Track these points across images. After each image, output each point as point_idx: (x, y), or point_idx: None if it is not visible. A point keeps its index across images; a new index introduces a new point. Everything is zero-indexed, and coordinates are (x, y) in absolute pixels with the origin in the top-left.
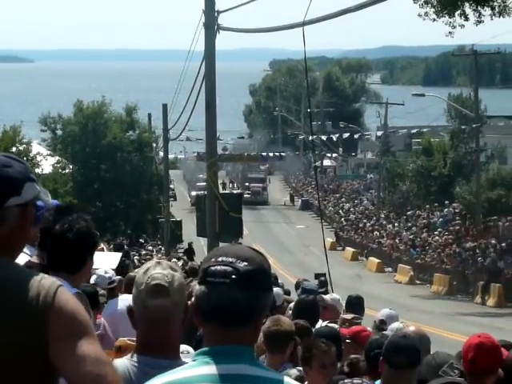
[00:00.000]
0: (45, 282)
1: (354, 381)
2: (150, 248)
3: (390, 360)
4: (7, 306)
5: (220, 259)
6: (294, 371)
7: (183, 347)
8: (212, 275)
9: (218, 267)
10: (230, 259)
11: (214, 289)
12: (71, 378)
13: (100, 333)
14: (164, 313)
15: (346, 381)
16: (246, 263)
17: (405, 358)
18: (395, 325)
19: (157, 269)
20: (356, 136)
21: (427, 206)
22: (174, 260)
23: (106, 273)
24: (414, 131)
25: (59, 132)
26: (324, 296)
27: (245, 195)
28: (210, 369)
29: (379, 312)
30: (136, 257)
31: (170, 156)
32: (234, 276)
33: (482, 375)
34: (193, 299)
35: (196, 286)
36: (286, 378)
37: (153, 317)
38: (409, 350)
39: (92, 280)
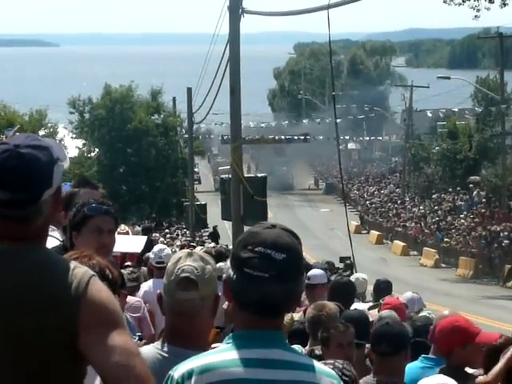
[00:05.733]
0: (78, 270)
1: (327, 362)
2: (170, 231)
3: (375, 348)
4: (36, 292)
5: (257, 249)
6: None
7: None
8: (250, 267)
9: (257, 259)
10: (269, 251)
11: (252, 282)
12: (100, 368)
13: (139, 316)
14: (192, 307)
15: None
16: (284, 255)
17: (388, 345)
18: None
19: (187, 260)
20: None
21: (449, 190)
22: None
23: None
24: (443, 110)
25: (86, 115)
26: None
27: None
28: (245, 353)
29: (402, 295)
30: (161, 239)
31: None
32: (273, 271)
33: (450, 354)
34: (224, 276)
35: (227, 265)
36: (317, 363)
37: (180, 309)
38: (392, 338)
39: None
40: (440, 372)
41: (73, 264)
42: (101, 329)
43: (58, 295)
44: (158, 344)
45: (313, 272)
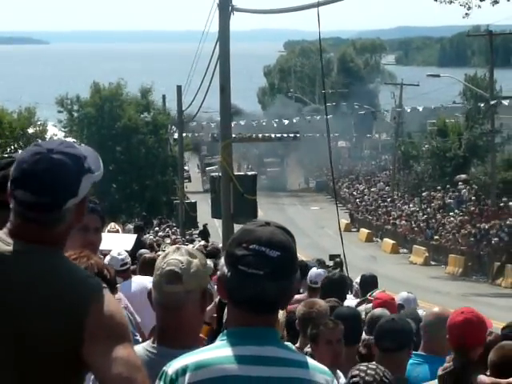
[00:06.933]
0: (90, 281)
1: (370, 365)
2: (160, 229)
3: (379, 344)
4: (46, 296)
5: (252, 247)
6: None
7: None
8: (244, 264)
9: (251, 257)
10: (263, 248)
11: (246, 279)
12: (102, 379)
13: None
14: (176, 299)
15: (361, 366)
16: (278, 253)
17: (392, 341)
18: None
19: (174, 255)
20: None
21: (439, 188)
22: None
23: (119, 254)
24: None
25: (75, 114)
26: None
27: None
28: (239, 350)
29: (397, 295)
30: (151, 236)
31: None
32: (267, 269)
33: (471, 349)
34: (218, 273)
35: (221, 262)
36: (310, 360)
37: (165, 302)
38: (396, 334)
39: (106, 261)
40: (463, 369)
41: (85, 273)
42: (106, 340)
43: (68, 302)
44: (147, 344)
45: (316, 272)
